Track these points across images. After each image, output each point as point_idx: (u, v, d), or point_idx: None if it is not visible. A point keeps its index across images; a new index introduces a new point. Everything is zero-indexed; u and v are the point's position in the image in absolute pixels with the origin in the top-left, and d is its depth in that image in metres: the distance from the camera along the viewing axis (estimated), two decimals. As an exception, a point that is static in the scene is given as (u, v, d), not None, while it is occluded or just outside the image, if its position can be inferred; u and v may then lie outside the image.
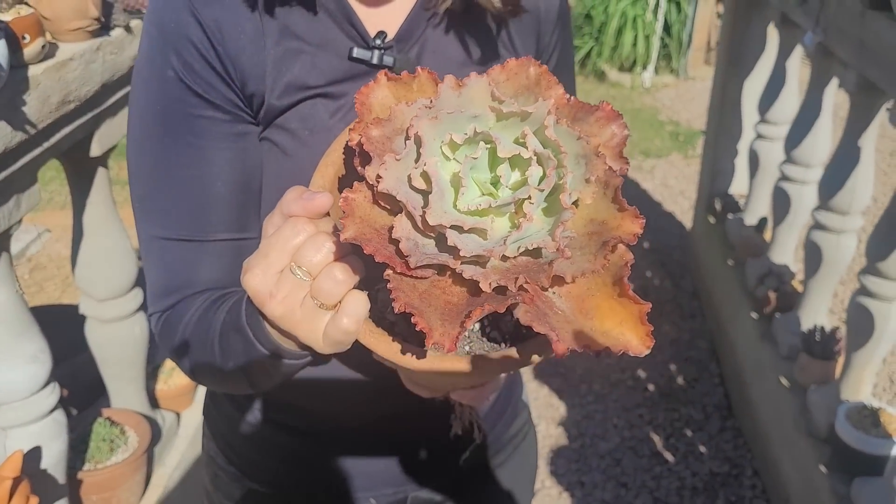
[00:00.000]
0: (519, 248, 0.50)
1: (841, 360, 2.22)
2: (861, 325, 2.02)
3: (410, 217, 0.49)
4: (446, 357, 0.55)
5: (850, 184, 2.17)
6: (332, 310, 0.57)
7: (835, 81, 2.38)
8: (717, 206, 3.28)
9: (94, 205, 1.75)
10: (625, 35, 6.00)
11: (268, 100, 0.76)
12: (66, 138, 1.48)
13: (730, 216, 3.16)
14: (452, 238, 0.48)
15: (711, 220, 3.32)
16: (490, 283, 0.48)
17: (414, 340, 0.56)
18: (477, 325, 0.60)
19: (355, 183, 0.52)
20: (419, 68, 0.57)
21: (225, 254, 0.79)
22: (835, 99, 2.48)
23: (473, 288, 0.49)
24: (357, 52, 0.78)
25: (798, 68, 2.78)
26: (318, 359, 0.70)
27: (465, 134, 0.50)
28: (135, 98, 0.77)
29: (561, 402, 2.82)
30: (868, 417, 1.98)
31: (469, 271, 0.49)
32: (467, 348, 0.58)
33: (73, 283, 3.29)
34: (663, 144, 4.95)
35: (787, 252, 2.73)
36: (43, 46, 1.35)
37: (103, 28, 1.55)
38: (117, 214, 1.82)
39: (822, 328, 2.28)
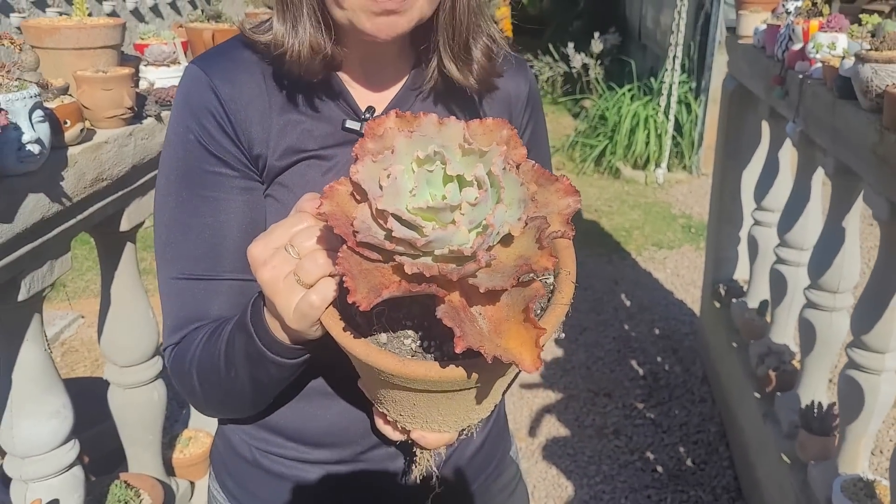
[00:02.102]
0: (445, 250, 0.62)
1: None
2: (852, 398, 2.07)
3: (370, 207, 0.62)
4: (381, 351, 0.66)
5: (838, 263, 2.26)
6: (307, 288, 0.69)
7: (821, 168, 2.51)
8: (722, 291, 3.36)
9: (121, 276, 1.91)
10: (637, 134, 6.23)
11: (269, 161, 0.90)
12: (98, 212, 1.65)
13: (734, 301, 3.24)
14: (393, 225, 0.60)
15: (717, 305, 3.39)
16: (412, 269, 0.59)
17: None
18: (417, 343, 0.69)
19: (343, 177, 0.65)
20: (421, 112, 0.69)
21: (233, 293, 0.91)
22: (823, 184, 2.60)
23: (404, 277, 0.60)
24: (348, 124, 0.92)
25: (789, 158, 2.92)
26: (300, 361, 0.82)
27: (427, 153, 0.63)
28: (162, 158, 0.92)
29: (569, 482, 2.84)
30: (863, 490, 2.00)
31: (399, 258, 0.60)
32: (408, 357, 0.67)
33: (102, 362, 3.43)
34: (675, 237, 5.07)
35: (786, 332, 2.79)
36: (81, 131, 1.54)
37: (136, 117, 1.74)
38: (142, 286, 1.97)
39: (820, 404, 2.32)
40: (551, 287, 0.73)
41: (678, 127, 6.32)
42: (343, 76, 0.94)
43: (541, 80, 8.45)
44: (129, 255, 1.90)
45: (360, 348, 0.66)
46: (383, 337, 0.69)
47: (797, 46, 2.45)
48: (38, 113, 1.36)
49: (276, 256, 0.71)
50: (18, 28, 5.67)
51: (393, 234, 0.60)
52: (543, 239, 0.62)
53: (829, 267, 2.27)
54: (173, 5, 7.73)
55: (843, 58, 2.04)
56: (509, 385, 0.85)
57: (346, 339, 0.67)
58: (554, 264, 0.61)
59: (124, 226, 1.80)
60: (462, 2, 0.89)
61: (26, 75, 1.52)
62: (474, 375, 0.65)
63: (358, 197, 0.64)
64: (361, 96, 0.95)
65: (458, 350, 0.58)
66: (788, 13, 2.64)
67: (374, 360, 0.66)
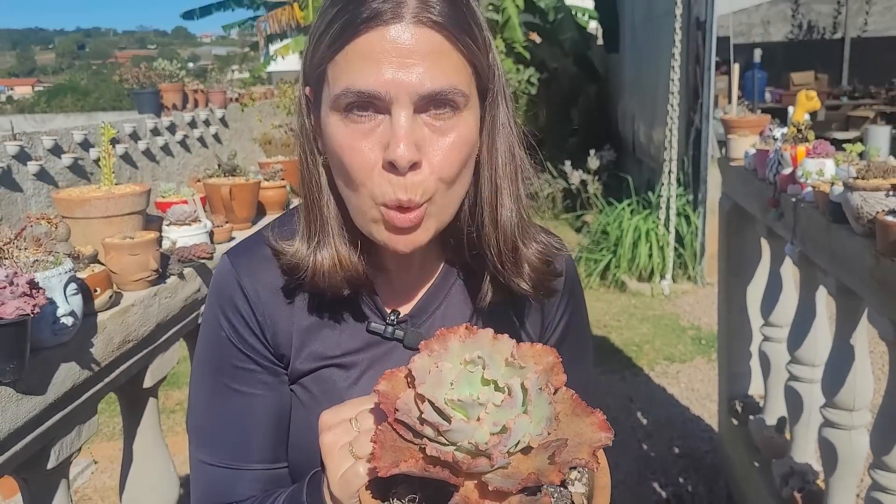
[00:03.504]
0: (465, 442, 0.66)
1: (872, 560, 2.19)
2: (881, 521, 2.04)
3: (414, 391, 0.68)
4: None
5: (850, 381, 2.27)
6: (358, 460, 0.74)
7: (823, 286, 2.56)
8: (738, 408, 3.35)
9: (143, 432, 1.93)
10: (640, 247, 6.35)
11: (293, 363, 0.94)
12: (124, 373, 1.69)
13: (751, 417, 3.22)
14: (426, 409, 0.66)
15: (735, 422, 3.37)
16: (431, 451, 0.64)
17: None
18: None
19: (404, 367, 0.71)
20: (488, 330, 0.72)
21: (260, 479, 0.93)
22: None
23: (423, 457, 0.66)
24: (373, 326, 0.94)
25: (791, 273, 2.98)
26: None
27: (472, 356, 0.69)
28: (198, 348, 0.96)
29: None
30: None
31: (426, 440, 0.66)
32: None
33: (115, 512, 3.38)
34: (686, 349, 5.08)
35: (807, 450, 2.76)
36: (110, 297, 1.61)
37: (160, 277, 1.82)
38: (164, 442, 1.99)
39: (849, 527, 2.27)
40: None
41: (679, 238, 6.45)
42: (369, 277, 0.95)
43: (541, 196, 8.67)
44: (152, 411, 1.93)
45: None
46: None
47: (787, 171, 2.55)
48: (72, 286, 1.43)
49: (340, 426, 0.76)
50: (35, 175, 5.90)
51: (423, 415, 0.66)
52: (558, 457, 0.67)
53: (842, 385, 2.28)
54: (183, 143, 8.06)
55: (833, 184, 2.13)
56: None
57: None
58: (560, 479, 0.65)
59: (147, 382, 1.84)
60: (505, 215, 0.89)
61: (58, 246, 1.61)
62: None
63: (409, 382, 0.71)
64: (387, 297, 0.96)
65: None
66: (775, 139, 2.77)
67: None
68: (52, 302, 1.39)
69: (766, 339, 3.05)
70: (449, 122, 0.80)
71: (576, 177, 7.97)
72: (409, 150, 0.77)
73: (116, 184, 1.86)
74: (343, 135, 0.81)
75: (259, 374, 0.93)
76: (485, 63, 0.84)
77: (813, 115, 2.87)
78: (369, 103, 0.79)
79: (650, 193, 6.86)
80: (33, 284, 1.29)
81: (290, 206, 1.34)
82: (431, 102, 0.79)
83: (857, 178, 1.96)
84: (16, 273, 1.29)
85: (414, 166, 0.79)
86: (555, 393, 0.71)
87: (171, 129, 7.85)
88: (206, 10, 11.07)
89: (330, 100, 0.81)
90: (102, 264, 1.68)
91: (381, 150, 0.79)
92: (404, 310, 0.96)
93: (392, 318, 0.95)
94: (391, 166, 0.78)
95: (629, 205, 6.83)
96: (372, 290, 0.94)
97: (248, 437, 0.93)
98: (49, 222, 1.50)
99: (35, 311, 1.27)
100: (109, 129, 1.79)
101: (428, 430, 0.66)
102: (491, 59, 0.85)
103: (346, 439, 0.75)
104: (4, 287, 1.25)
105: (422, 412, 0.66)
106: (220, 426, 0.93)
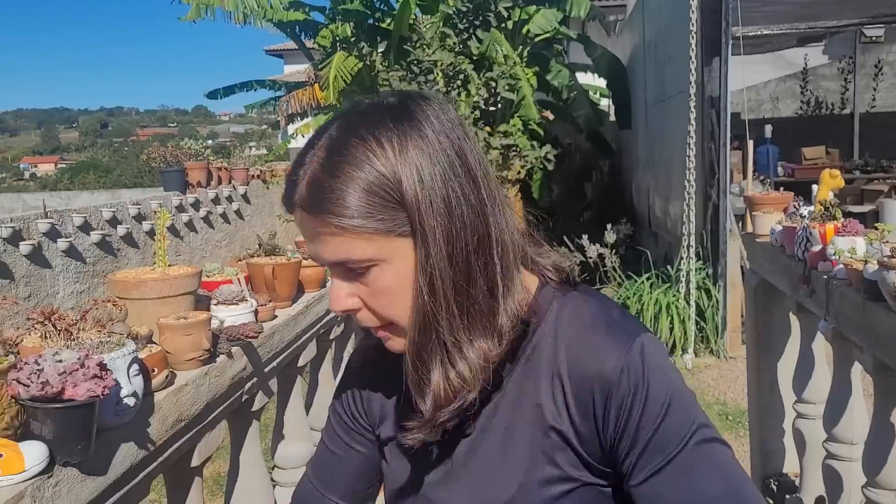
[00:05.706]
0: None
1: None
2: None
3: None
4: None
5: (892, 460, 2.25)
6: None
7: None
8: (774, 487, 3.30)
9: (187, 512, 1.93)
10: (661, 322, 6.34)
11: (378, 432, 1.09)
12: (175, 452, 1.71)
13: (787, 497, 3.17)
14: None
15: (771, 502, 3.32)
16: None
17: None
18: None
19: None
20: None
21: None
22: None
23: None
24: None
25: (824, 349, 2.98)
26: None
27: None
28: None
29: None
30: None
31: None
32: None
33: None
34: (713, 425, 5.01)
35: (849, 532, 2.71)
36: (166, 377, 1.64)
37: (211, 356, 1.85)
38: (205, 520, 1.98)
39: None
40: None
41: (700, 312, 6.44)
42: None
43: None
44: (197, 490, 1.93)
45: None
46: None
47: (817, 248, 2.58)
48: (135, 367, 1.47)
49: None
50: (64, 251, 6.01)
51: None
52: None
53: (884, 464, 2.26)
54: (206, 219, 8.21)
55: (866, 262, 2.16)
56: None
57: None
58: None
59: (195, 461, 1.85)
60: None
61: (116, 326, 1.65)
62: None
63: None
64: None
65: None
66: (803, 217, 2.81)
67: None
68: (116, 383, 1.42)
69: (799, 415, 3.03)
70: (368, 276, 0.87)
71: (593, 251, 8.02)
72: (337, 302, 0.90)
73: (170, 265, 1.92)
74: None
75: (356, 436, 1.12)
76: (379, 223, 0.83)
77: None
78: None
79: (668, 267, 6.90)
80: (103, 366, 1.33)
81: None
82: (341, 266, 0.88)
83: (893, 256, 1.99)
84: (87, 355, 1.33)
85: (354, 311, 0.91)
86: None
87: (196, 205, 8.02)
88: (229, 90, 11.41)
89: None
90: (157, 344, 1.72)
91: None
92: None
93: None
94: None
95: (648, 278, 6.85)
96: None
97: (332, 473, 1.13)
98: (115, 305, 1.55)
99: (105, 393, 1.30)
100: (166, 214, 1.86)
101: None
102: (388, 216, 0.83)
103: None
104: (77, 369, 1.29)
105: None
106: (321, 453, 1.16)
